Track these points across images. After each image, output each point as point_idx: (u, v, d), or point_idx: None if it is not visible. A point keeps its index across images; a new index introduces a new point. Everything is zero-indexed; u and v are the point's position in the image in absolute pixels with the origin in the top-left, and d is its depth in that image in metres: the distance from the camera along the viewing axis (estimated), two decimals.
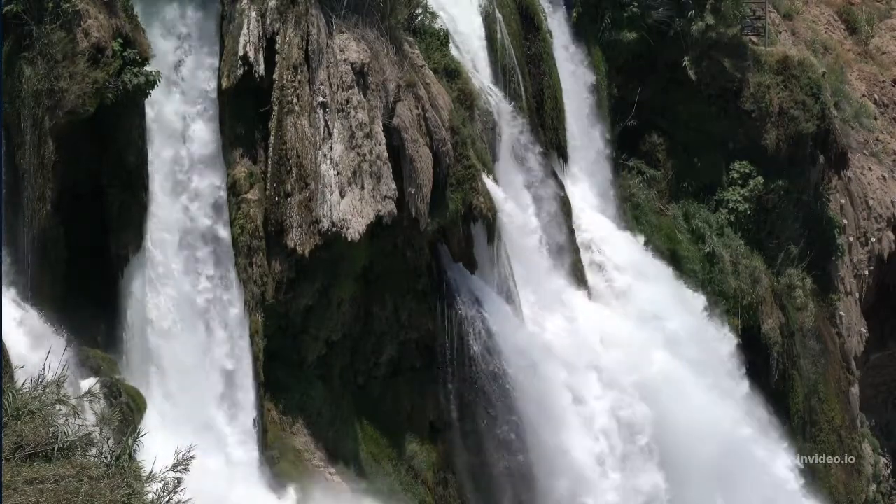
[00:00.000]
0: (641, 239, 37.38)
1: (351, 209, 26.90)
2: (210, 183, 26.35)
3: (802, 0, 49.00)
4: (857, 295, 44.07)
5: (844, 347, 42.93)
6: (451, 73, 31.13)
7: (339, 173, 26.91)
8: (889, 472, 45.39)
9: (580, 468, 31.31)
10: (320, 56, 27.13)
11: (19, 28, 23.06)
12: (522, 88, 34.02)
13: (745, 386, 37.07)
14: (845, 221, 43.15)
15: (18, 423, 12.08)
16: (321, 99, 27.01)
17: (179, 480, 11.74)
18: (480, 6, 33.74)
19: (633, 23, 37.58)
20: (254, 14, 26.57)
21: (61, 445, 11.96)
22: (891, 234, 45.80)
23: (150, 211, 25.19)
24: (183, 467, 11.99)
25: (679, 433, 33.52)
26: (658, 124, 39.44)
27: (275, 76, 26.75)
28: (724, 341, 37.22)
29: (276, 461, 26.81)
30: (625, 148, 38.72)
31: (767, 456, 36.09)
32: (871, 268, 45.28)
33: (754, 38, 41.57)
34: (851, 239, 43.76)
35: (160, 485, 11.83)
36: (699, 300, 37.19)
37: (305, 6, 27.05)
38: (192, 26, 26.34)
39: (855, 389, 43.01)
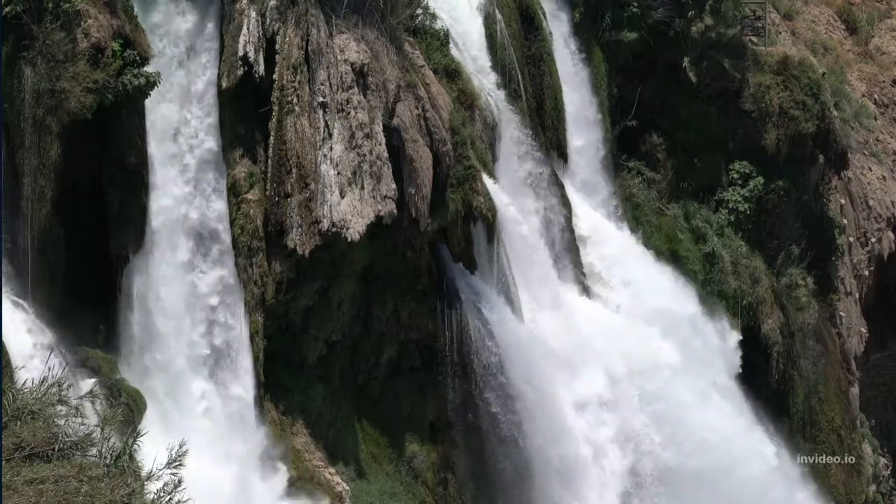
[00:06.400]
0: (641, 239, 37.38)
1: (351, 209, 26.90)
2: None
3: (802, 0, 48.99)
4: (857, 295, 44.05)
5: (844, 347, 42.93)
6: (451, 73, 31.14)
7: (339, 173, 26.92)
8: (889, 472, 45.38)
9: (580, 467, 31.31)
10: (320, 56, 27.14)
11: (19, 28, 23.07)
12: (522, 88, 34.02)
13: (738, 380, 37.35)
14: (845, 221, 43.13)
15: (19, 423, 12.07)
16: (321, 99, 27.01)
17: (180, 480, 11.73)
18: (480, 6, 33.75)
19: (633, 23, 37.55)
20: (254, 14, 26.58)
21: (61, 446, 11.95)
22: (891, 234, 45.79)
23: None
24: (178, 464, 11.98)
25: (680, 428, 33.54)
26: (658, 124, 39.41)
27: (275, 76, 26.76)
28: (723, 336, 37.31)
29: (276, 462, 26.82)
30: (625, 148, 38.70)
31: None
32: (871, 268, 45.26)
33: (754, 38, 41.55)
34: (851, 239, 43.74)
35: (160, 484, 11.83)
36: (695, 297, 37.26)
37: (305, 6, 27.06)
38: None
39: (855, 389, 43.00)
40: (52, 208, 23.66)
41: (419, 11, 30.59)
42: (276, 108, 26.69)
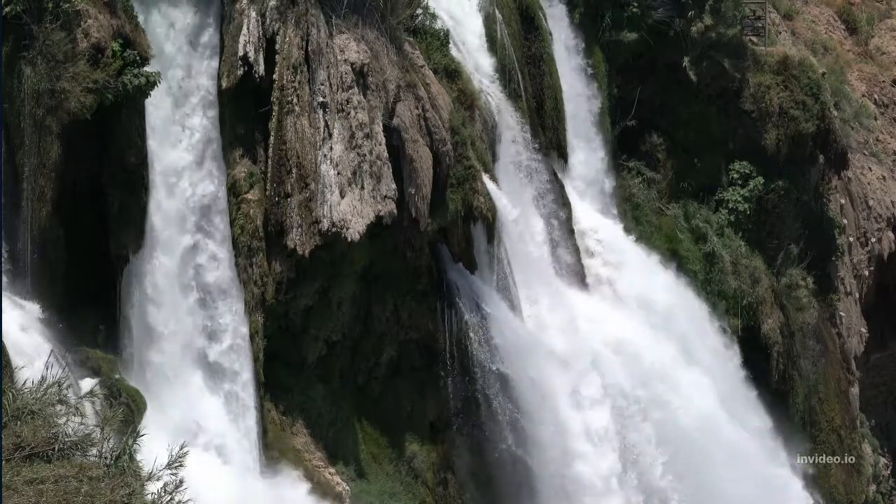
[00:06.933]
0: (641, 239, 37.38)
1: (351, 209, 26.90)
2: None
3: (802, 0, 48.99)
4: (857, 295, 44.06)
5: (844, 347, 42.93)
6: (451, 73, 31.14)
7: (339, 173, 26.92)
8: (889, 472, 45.39)
9: (580, 466, 31.31)
10: (320, 56, 27.13)
11: (19, 28, 23.05)
12: (522, 88, 34.01)
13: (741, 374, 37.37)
14: (845, 221, 43.14)
15: (19, 423, 12.07)
16: (321, 99, 27.01)
17: (182, 481, 11.73)
18: (480, 6, 33.74)
19: (633, 23, 37.56)
20: (254, 14, 26.57)
21: (61, 446, 11.95)
22: (891, 234, 45.79)
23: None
24: (178, 465, 11.98)
25: (679, 428, 33.55)
26: (658, 124, 39.42)
27: (275, 76, 26.75)
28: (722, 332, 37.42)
29: (276, 461, 26.81)
30: (625, 148, 38.71)
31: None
32: (871, 268, 45.27)
33: (754, 38, 41.56)
34: (851, 239, 43.75)
35: (160, 485, 11.82)
36: (693, 296, 37.36)
37: (305, 6, 27.05)
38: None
39: (855, 389, 43.01)
40: (52, 208, 23.64)
41: (419, 11, 30.58)
42: (276, 108, 26.68)
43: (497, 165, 32.37)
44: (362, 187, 27.15)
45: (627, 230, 37.23)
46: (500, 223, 30.85)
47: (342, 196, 26.87)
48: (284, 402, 27.66)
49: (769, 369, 38.88)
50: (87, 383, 22.48)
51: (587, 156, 37.11)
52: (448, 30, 31.83)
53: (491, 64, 33.52)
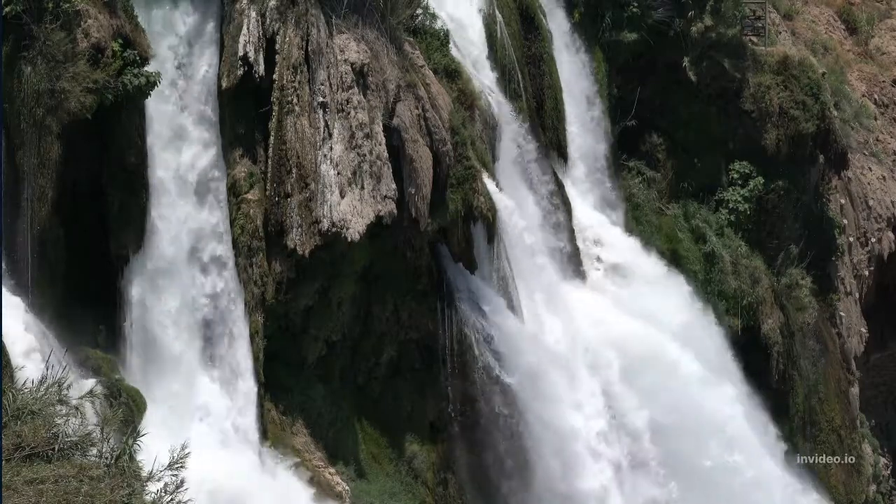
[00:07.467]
0: (641, 239, 37.38)
1: (351, 209, 26.90)
2: None
3: (802, 0, 48.99)
4: (857, 295, 44.05)
5: (844, 347, 42.93)
6: (451, 73, 31.13)
7: (339, 173, 26.92)
8: (889, 472, 45.38)
9: (579, 466, 31.31)
10: (320, 56, 27.13)
11: (19, 28, 23.06)
12: (522, 88, 34.02)
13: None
14: (845, 221, 43.13)
15: (19, 423, 12.07)
16: (321, 99, 27.01)
17: (182, 481, 11.72)
18: (480, 6, 33.75)
19: (633, 23, 37.56)
20: (254, 14, 26.57)
21: (61, 446, 11.95)
22: (891, 234, 45.78)
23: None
24: (179, 465, 11.98)
25: (679, 428, 33.55)
26: (658, 124, 39.42)
27: (275, 76, 26.76)
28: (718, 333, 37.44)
29: (276, 461, 26.81)
30: (625, 148, 38.71)
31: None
32: (871, 268, 45.26)
33: (754, 38, 41.55)
34: (851, 239, 43.74)
35: (161, 485, 11.82)
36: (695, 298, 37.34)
37: (305, 6, 27.05)
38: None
39: (855, 389, 43.01)
40: (52, 208, 23.65)
41: (419, 11, 30.58)
42: (276, 108, 26.68)
43: (497, 165, 32.37)
44: (362, 187, 27.15)
45: (627, 229, 37.22)
46: (500, 223, 30.85)
47: (342, 196, 26.87)
48: (284, 402, 27.66)
49: (769, 369, 38.87)
50: (87, 383, 22.48)
51: (587, 156, 37.12)
52: (448, 30, 31.83)
53: (491, 64, 33.52)
